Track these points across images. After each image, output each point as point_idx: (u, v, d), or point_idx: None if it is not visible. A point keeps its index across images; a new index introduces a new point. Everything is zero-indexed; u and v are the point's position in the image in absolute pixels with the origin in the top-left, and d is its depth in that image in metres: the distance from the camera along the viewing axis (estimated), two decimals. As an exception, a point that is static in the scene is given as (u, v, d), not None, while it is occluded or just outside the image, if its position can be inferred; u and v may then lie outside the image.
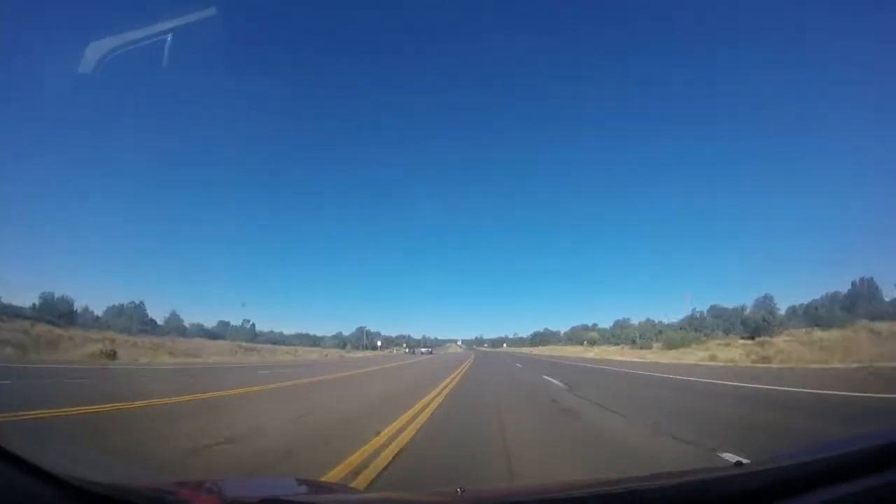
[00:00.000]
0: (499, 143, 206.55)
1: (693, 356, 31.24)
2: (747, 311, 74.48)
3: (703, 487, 1.65)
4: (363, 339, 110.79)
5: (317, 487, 2.54)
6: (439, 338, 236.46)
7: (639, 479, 1.75)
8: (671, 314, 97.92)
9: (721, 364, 23.69)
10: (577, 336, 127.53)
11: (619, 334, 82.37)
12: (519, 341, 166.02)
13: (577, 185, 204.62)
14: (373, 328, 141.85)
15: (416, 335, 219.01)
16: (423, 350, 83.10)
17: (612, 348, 63.58)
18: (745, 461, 2.01)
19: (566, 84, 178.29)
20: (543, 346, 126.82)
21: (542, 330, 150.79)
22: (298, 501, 1.96)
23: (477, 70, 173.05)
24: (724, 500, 1.53)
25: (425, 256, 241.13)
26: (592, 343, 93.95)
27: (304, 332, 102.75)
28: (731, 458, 4.14)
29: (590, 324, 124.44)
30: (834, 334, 25.14)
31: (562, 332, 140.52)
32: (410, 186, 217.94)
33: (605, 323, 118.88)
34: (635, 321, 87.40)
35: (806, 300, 67.10)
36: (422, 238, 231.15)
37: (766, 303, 71.09)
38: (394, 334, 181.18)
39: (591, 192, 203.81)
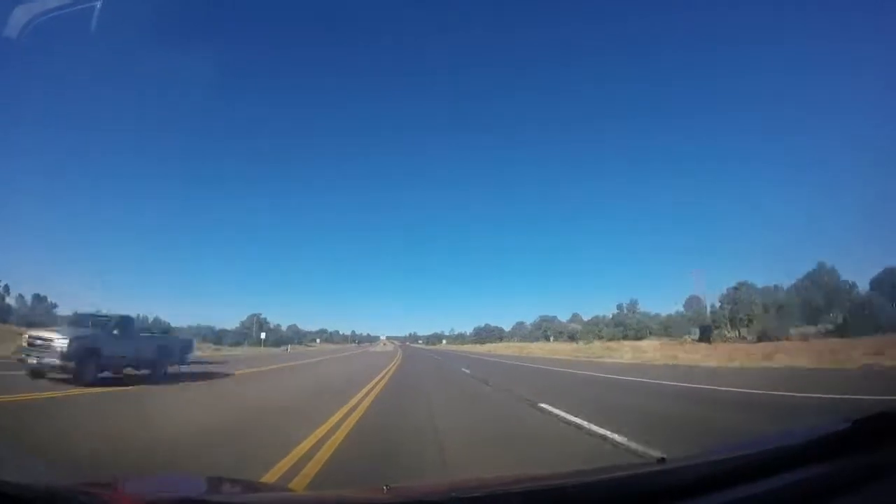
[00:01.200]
0: (443, 133, 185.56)
1: None
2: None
3: (627, 483, 1.62)
4: (254, 331, 78.60)
5: (241, 486, 2.43)
6: (371, 333, 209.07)
7: (563, 476, 1.75)
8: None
9: None
10: (522, 332, 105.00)
11: (627, 322, 57.26)
12: (459, 338, 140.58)
13: (522, 176, 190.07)
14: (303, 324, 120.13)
15: (346, 330, 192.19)
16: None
17: (654, 343, 37.45)
18: (668, 457, 1.89)
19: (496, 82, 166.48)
20: (493, 343, 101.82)
21: (482, 325, 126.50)
22: (219, 500, 1.88)
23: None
24: (648, 496, 1.49)
25: (355, 249, 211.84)
26: (573, 337, 69.48)
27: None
28: None
29: (550, 315, 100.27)
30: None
31: (506, 328, 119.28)
32: (347, 179, 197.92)
33: (562, 316, 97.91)
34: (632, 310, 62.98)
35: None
36: (351, 230, 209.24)
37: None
38: (314, 328, 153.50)
39: (538, 182, 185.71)
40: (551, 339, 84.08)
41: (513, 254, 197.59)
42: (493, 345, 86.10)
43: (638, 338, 52.29)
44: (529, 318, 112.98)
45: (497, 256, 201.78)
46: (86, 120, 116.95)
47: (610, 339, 51.71)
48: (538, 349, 48.88)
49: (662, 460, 1.82)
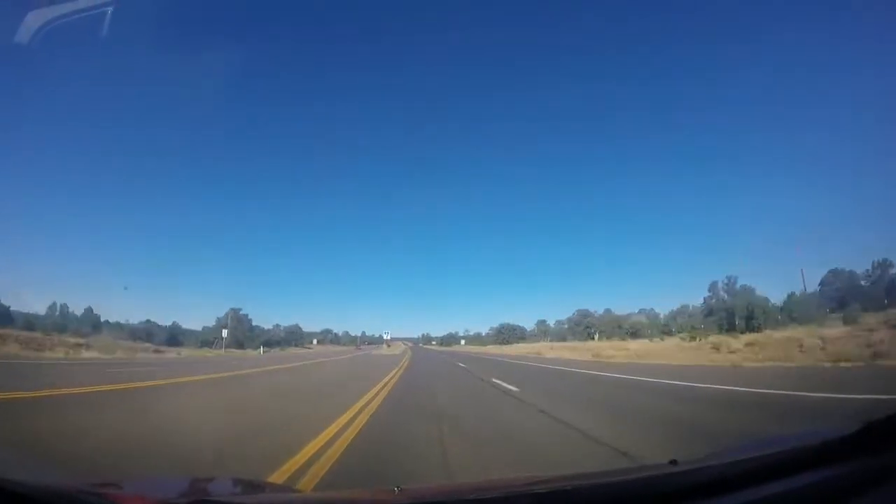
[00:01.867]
0: (457, 123, 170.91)
1: None
2: None
3: (641, 485, 1.62)
4: (229, 329, 62.34)
5: (251, 486, 2.42)
6: (381, 334, 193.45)
7: (575, 478, 1.74)
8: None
9: None
10: (549, 330, 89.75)
11: (735, 308, 39.96)
12: (476, 338, 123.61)
13: (536, 169, 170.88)
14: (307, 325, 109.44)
15: (355, 331, 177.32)
16: None
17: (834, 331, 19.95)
18: (680, 460, 1.80)
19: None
20: (518, 343, 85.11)
21: (502, 324, 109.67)
22: (229, 501, 1.87)
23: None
24: (660, 498, 1.50)
25: (363, 246, 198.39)
26: (634, 334, 52.25)
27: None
28: None
29: (588, 309, 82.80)
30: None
31: (527, 327, 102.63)
32: (360, 174, 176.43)
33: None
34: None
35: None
36: (358, 227, 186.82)
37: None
38: (317, 329, 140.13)
39: (552, 177, 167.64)
40: (596, 336, 67.14)
41: (532, 249, 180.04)
42: (525, 346, 68.91)
43: (752, 329, 35.09)
44: (550, 317, 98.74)
45: (515, 252, 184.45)
46: (84, 119, 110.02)
47: (703, 334, 34.46)
48: (610, 350, 31.78)
49: (674, 462, 1.76)
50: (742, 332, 33.81)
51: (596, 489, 1.56)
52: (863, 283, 52.76)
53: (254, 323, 79.89)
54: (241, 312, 75.94)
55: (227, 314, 74.07)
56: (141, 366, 21.16)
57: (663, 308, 70.28)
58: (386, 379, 14.87)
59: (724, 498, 1.46)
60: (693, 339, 30.21)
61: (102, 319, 52.90)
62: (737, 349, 23.31)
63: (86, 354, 29.41)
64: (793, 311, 38.24)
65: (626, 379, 13.12)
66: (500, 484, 1.87)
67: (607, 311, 76.79)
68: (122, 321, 59.34)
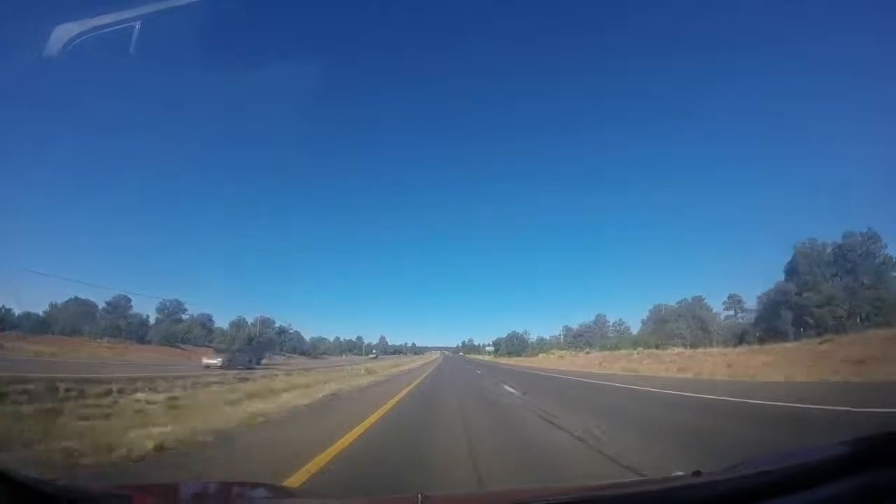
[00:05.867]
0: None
1: None
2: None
3: (662, 495, 1.63)
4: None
5: (278, 492, 2.46)
6: (418, 343, 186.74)
7: (599, 488, 1.79)
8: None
9: None
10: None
11: None
12: (559, 344, 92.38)
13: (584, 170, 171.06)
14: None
15: (397, 340, 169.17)
16: None
17: None
18: (704, 471, 1.79)
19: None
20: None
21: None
22: None
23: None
24: None
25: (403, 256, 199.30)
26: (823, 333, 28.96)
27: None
28: None
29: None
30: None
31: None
32: (402, 189, 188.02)
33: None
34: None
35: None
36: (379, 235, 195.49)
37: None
38: (352, 336, 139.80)
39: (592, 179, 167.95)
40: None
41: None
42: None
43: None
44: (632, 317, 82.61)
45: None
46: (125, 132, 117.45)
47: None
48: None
49: (698, 473, 1.75)
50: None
51: (620, 499, 1.58)
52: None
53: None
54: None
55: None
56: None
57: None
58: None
59: None
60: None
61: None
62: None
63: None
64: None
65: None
66: (522, 493, 1.98)
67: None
68: None
